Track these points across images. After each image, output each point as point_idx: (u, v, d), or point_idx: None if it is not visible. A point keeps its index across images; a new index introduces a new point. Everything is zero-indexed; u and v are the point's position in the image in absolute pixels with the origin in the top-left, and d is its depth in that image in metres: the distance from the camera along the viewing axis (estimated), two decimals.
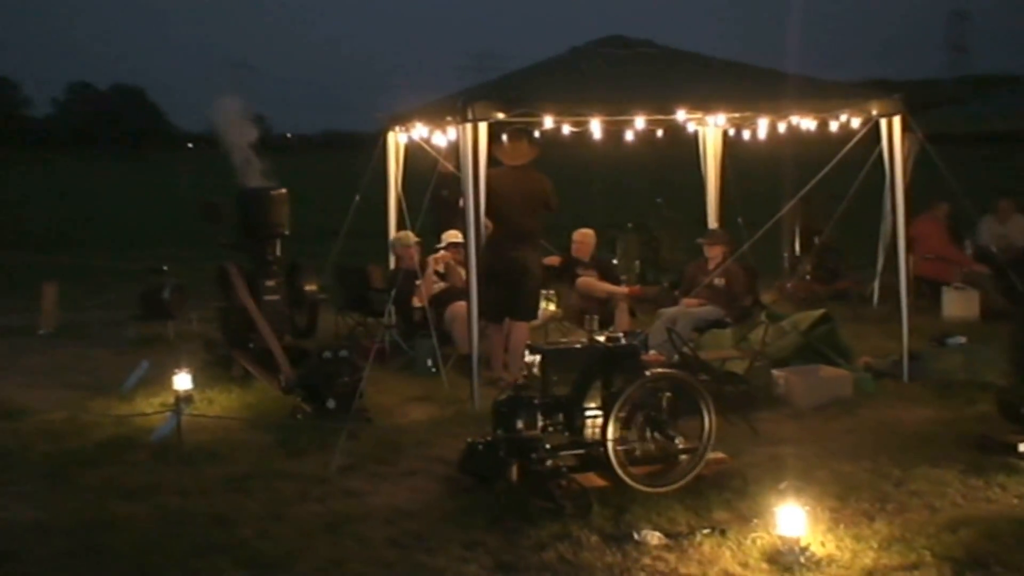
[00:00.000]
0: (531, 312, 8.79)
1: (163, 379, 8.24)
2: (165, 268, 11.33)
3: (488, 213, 8.17)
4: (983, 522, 5.31)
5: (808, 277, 12.85)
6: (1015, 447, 6.30)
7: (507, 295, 8.44)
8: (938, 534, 5.16)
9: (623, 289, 10.33)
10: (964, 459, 6.31)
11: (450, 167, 8.74)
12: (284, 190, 9.48)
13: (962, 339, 8.97)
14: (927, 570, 4.79)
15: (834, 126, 8.88)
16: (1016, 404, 6.56)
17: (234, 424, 7.37)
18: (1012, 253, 11.93)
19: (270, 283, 9.20)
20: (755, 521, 5.33)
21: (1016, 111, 12.31)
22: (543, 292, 9.51)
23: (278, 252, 9.39)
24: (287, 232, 9.44)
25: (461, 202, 7.91)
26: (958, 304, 11.29)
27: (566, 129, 9.49)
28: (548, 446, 5.68)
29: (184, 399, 7.49)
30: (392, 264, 10.30)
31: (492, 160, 8.47)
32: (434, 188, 9.20)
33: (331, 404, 7.31)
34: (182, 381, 7.86)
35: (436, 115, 8.94)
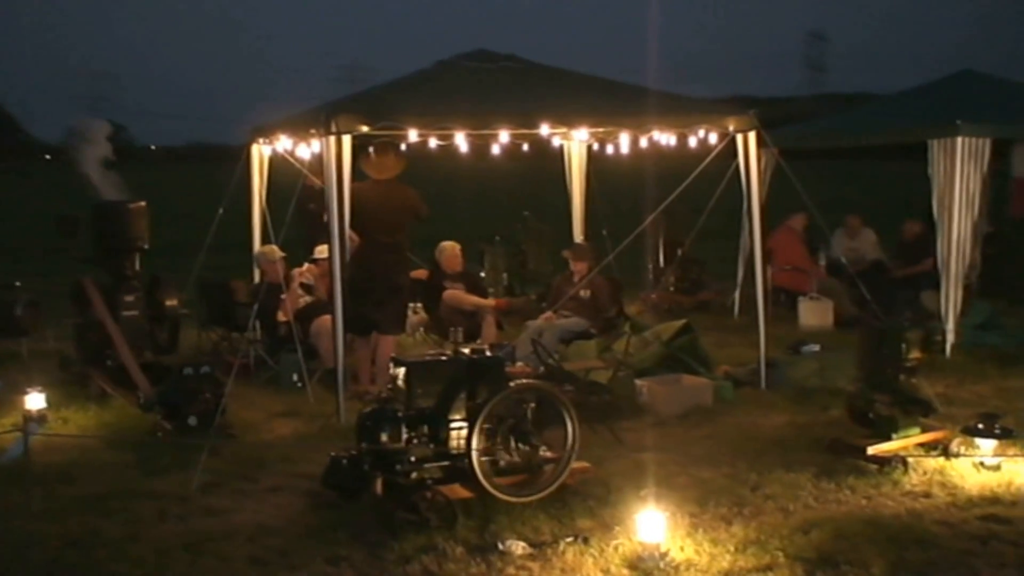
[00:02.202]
0: (399, 326, 8.77)
1: (15, 399, 7.91)
2: (18, 284, 10.87)
3: (354, 226, 8.12)
4: (833, 523, 5.52)
5: (671, 288, 13.17)
6: (864, 450, 6.56)
7: (374, 309, 8.39)
8: (791, 535, 5.34)
9: (490, 302, 10.38)
10: (817, 462, 6.53)
11: (316, 180, 8.66)
12: (143, 203, 9.23)
13: (816, 347, 9.30)
14: (780, 571, 4.95)
15: (693, 141, 9.12)
16: (864, 409, 6.83)
17: (90, 443, 7.14)
18: (862, 265, 12.46)
19: (129, 298, 8.94)
20: (617, 528, 5.42)
21: (869, 127, 12.91)
22: (411, 306, 9.50)
23: (137, 266, 9.14)
24: (146, 246, 9.19)
25: (325, 216, 7.84)
26: (813, 313, 11.72)
27: (432, 143, 9.54)
28: (412, 458, 5.66)
29: (35, 418, 7.22)
30: (256, 278, 10.14)
31: (359, 173, 8.43)
32: (300, 201, 9.10)
33: (192, 421, 7.15)
34: (34, 400, 7.57)
35: (300, 128, 8.84)
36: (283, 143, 9.32)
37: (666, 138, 9.30)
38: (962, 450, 6.59)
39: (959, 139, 9.73)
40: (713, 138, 8.93)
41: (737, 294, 12.10)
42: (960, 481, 6.19)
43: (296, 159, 9.19)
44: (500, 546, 5.21)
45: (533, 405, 5.96)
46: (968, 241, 10.06)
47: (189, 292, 10.24)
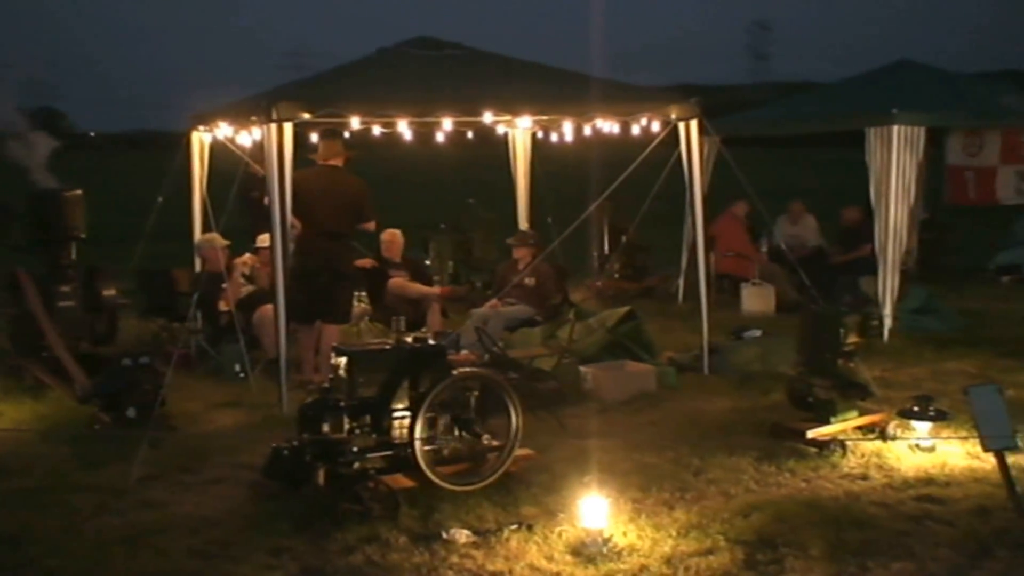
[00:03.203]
0: (343, 315, 8.70)
1: None
2: None
3: (297, 213, 8.04)
4: (773, 506, 5.59)
5: (617, 275, 13.24)
6: (803, 434, 6.65)
7: (318, 297, 8.32)
8: (732, 519, 5.40)
9: (435, 290, 10.37)
10: (758, 446, 6.61)
11: (258, 168, 8.57)
12: (79, 191, 9.07)
13: (757, 332, 9.40)
14: (721, 554, 5.00)
15: (636, 129, 9.17)
16: (804, 393, 6.92)
17: (26, 437, 7.01)
18: (803, 251, 12.62)
19: (65, 288, 8.80)
20: (561, 515, 5.44)
21: (809, 116, 13.11)
22: (355, 294, 9.44)
23: (73, 256, 8.99)
24: (83, 235, 9.04)
25: (266, 201, 7.76)
26: (756, 299, 11.85)
27: (376, 130, 9.49)
28: (355, 448, 5.63)
29: None
30: (198, 267, 10.01)
31: (301, 161, 8.34)
32: (243, 189, 9.00)
33: (131, 413, 7.04)
34: None
35: (241, 115, 8.75)
36: (224, 130, 9.21)
37: (609, 126, 9.34)
38: (898, 432, 6.71)
39: (895, 127, 9.88)
40: (656, 126, 8.98)
41: (681, 280, 12.19)
42: (896, 463, 6.30)
43: (237, 147, 9.09)
44: (444, 535, 5.20)
45: (476, 393, 5.96)
46: (904, 227, 10.23)
47: (129, 281, 10.11)
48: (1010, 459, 5.75)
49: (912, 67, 12.30)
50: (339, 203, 8.39)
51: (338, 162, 8.55)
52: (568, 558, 4.98)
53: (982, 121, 11.99)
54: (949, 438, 6.54)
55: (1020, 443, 6.20)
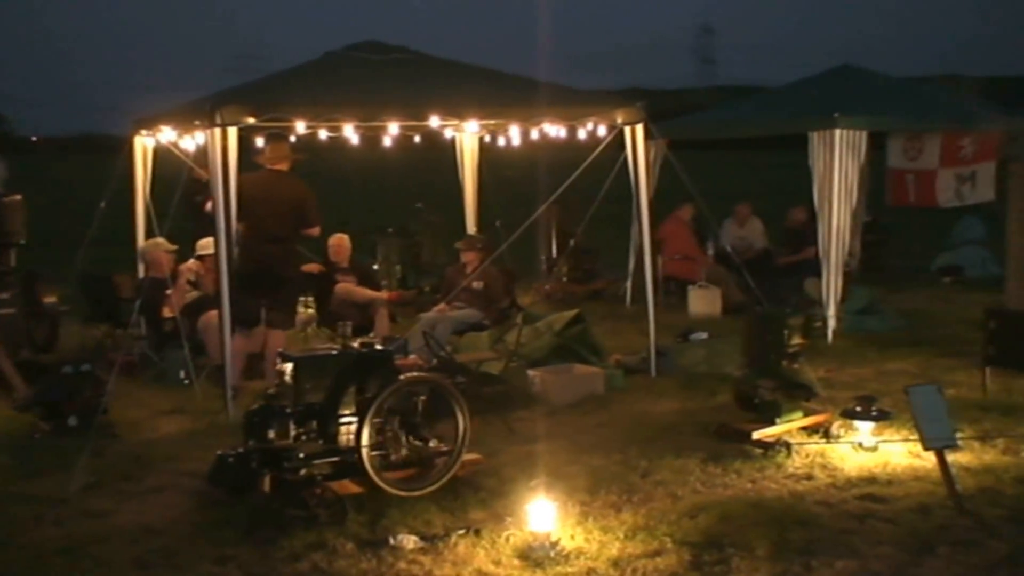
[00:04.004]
0: (287, 320, 8.62)
1: None
2: None
3: (240, 217, 7.96)
4: (719, 506, 5.63)
5: (565, 278, 13.28)
6: (749, 435, 6.72)
7: (261, 302, 8.24)
8: (679, 521, 5.44)
9: (383, 294, 10.32)
10: (705, 448, 6.66)
11: (202, 172, 8.47)
12: (19, 196, 8.93)
13: (704, 335, 9.48)
14: (668, 556, 5.02)
15: (583, 133, 9.20)
16: (749, 394, 6.99)
17: None
18: (750, 254, 12.75)
19: (4, 295, 8.66)
20: (509, 519, 5.43)
21: (755, 119, 13.23)
22: (301, 299, 9.38)
23: (13, 262, 8.85)
24: (23, 241, 8.89)
25: (209, 206, 7.67)
26: (702, 301, 11.94)
27: (323, 134, 9.43)
28: (301, 455, 5.58)
29: None
30: (141, 272, 9.88)
31: (248, 165, 8.26)
32: (187, 194, 8.89)
33: (72, 421, 6.95)
34: None
35: (185, 119, 8.64)
36: (167, 135, 9.10)
37: (556, 130, 9.36)
38: (842, 433, 6.80)
39: (837, 131, 10.03)
40: (602, 130, 9.02)
41: (629, 283, 12.25)
42: (840, 462, 6.38)
43: (181, 151, 8.99)
44: (391, 540, 5.17)
45: (424, 398, 5.93)
46: (847, 229, 10.39)
47: (70, 287, 9.95)
48: (950, 457, 5.86)
49: (854, 72, 12.49)
50: (282, 208, 8.31)
51: (284, 166, 8.48)
52: (516, 562, 4.98)
53: (922, 125, 12.20)
54: (888, 440, 6.63)
55: (960, 442, 6.32)
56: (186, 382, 8.36)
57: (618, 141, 8.97)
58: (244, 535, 5.25)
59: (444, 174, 12.86)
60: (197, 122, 8.10)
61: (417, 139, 10.64)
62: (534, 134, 9.68)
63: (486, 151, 11.74)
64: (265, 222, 8.21)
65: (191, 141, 8.88)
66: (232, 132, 7.57)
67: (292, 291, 8.61)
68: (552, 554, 5.01)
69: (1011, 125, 12.09)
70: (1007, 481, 5.99)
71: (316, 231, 8.66)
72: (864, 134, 10.29)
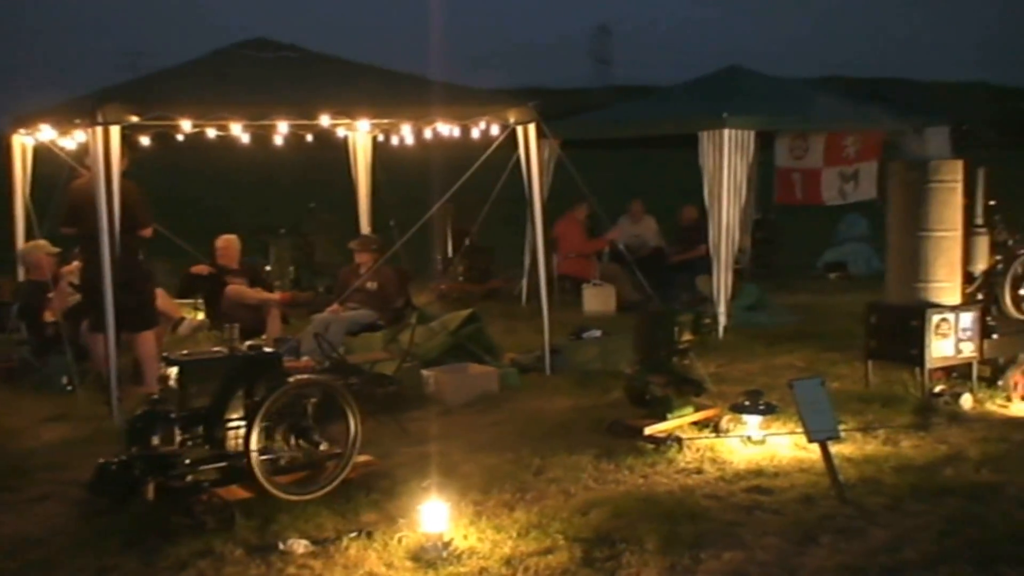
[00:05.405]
0: (144, 321, 8.14)
1: None
2: None
3: (72, 223, 7.68)
4: (611, 502, 5.68)
5: (460, 278, 13.27)
6: (641, 431, 6.80)
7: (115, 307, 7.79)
8: (571, 518, 5.46)
9: (274, 296, 10.18)
10: (598, 444, 6.72)
11: (84, 171, 8.20)
12: None
13: (597, 332, 9.55)
14: (560, 553, 5.05)
15: (476, 132, 9.20)
16: (641, 390, 7.07)
17: None
18: (644, 251, 12.92)
19: None
20: (401, 520, 5.39)
21: (647, 119, 13.46)
22: (191, 301, 9.16)
23: None
24: None
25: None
26: (597, 299, 12.06)
27: (211, 133, 9.24)
28: (187, 461, 5.45)
29: None
30: (21, 275, 9.55)
31: (133, 163, 8.00)
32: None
33: None
34: None
35: (65, 118, 8.37)
36: (47, 133, 8.80)
37: (449, 129, 9.34)
38: (731, 427, 6.92)
39: (726, 131, 10.23)
40: (495, 129, 9.03)
41: (525, 282, 12.30)
42: (729, 456, 6.50)
43: (62, 150, 8.70)
44: (281, 546, 5.09)
45: (314, 400, 5.85)
46: (737, 227, 10.59)
47: None
48: (834, 448, 6.02)
49: (742, 73, 12.75)
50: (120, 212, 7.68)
51: (119, 169, 8.05)
52: (408, 564, 4.95)
53: (807, 124, 12.53)
54: (776, 433, 6.79)
55: (843, 433, 6.49)
56: (69, 388, 8.10)
57: (512, 140, 8.99)
58: (127, 544, 5.11)
59: (337, 173, 12.73)
60: (78, 120, 7.86)
61: (310, 138, 10.51)
62: (427, 133, 9.65)
63: (379, 150, 11.66)
64: (95, 228, 7.52)
65: (72, 141, 8.61)
66: (115, 131, 7.35)
67: (137, 293, 8.00)
68: (444, 554, 4.99)
69: (893, 125, 12.52)
70: (887, 471, 6.18)
71: (149, 232, 8.13)
72: (752, 134, 10.52)
